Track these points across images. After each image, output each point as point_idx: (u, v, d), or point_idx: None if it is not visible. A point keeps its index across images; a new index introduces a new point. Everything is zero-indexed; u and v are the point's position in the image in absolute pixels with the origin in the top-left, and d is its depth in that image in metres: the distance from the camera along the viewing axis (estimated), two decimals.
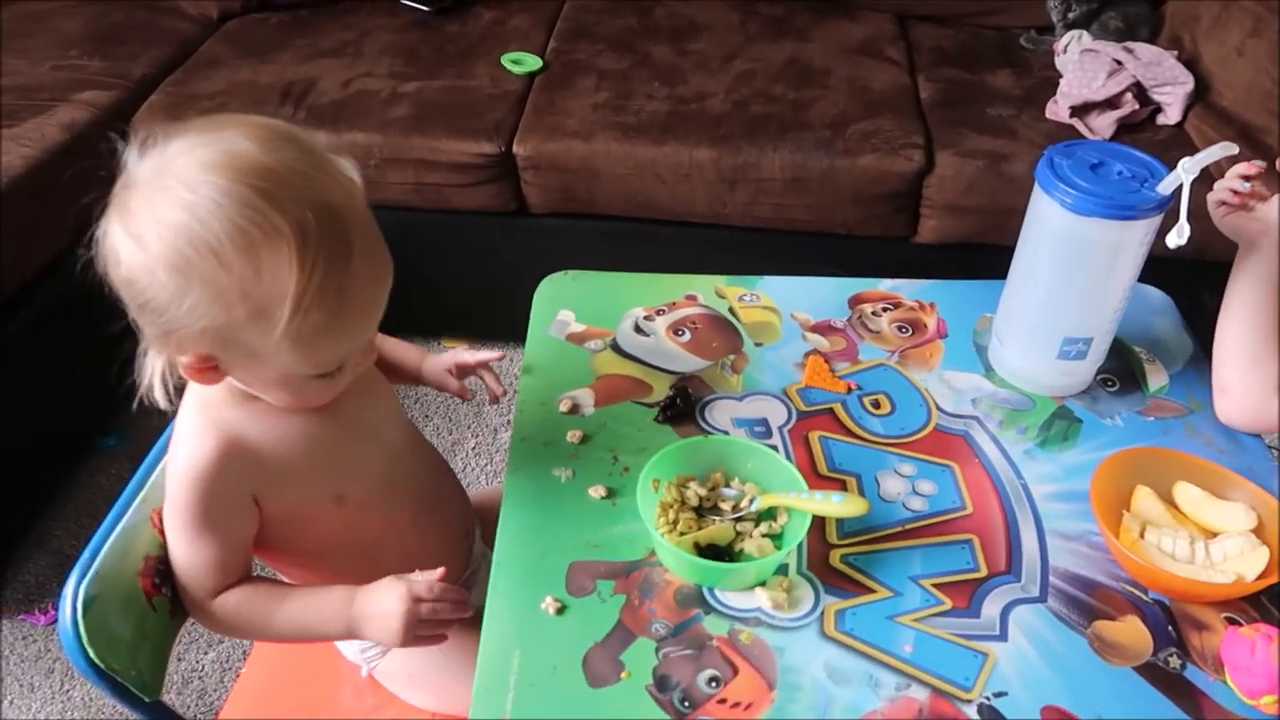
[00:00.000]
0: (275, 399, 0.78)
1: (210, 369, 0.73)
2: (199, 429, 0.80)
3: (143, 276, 0.67)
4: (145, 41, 2.09)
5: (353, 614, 0.82)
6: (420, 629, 0.81)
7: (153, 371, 0.74)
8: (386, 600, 0.81)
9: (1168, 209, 0.91)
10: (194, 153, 0.67)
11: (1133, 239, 0.92)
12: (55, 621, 1.58)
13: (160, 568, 0.84)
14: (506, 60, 2.00)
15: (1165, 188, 0.90)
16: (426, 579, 0.82)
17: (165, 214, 0.66)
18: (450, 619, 0.82)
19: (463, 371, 1.04)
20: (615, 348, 1.08)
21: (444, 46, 2.07)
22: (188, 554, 0.82)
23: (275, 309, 0.66)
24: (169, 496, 0.81)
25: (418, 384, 1.05)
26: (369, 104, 1.87)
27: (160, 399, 0.74)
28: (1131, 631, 0.80)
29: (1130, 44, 1.89)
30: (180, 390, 0.78)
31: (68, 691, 1.49)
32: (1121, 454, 0.89)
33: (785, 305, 1.14)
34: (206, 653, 1.53)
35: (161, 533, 0.83)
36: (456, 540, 1.03)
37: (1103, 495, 0.86)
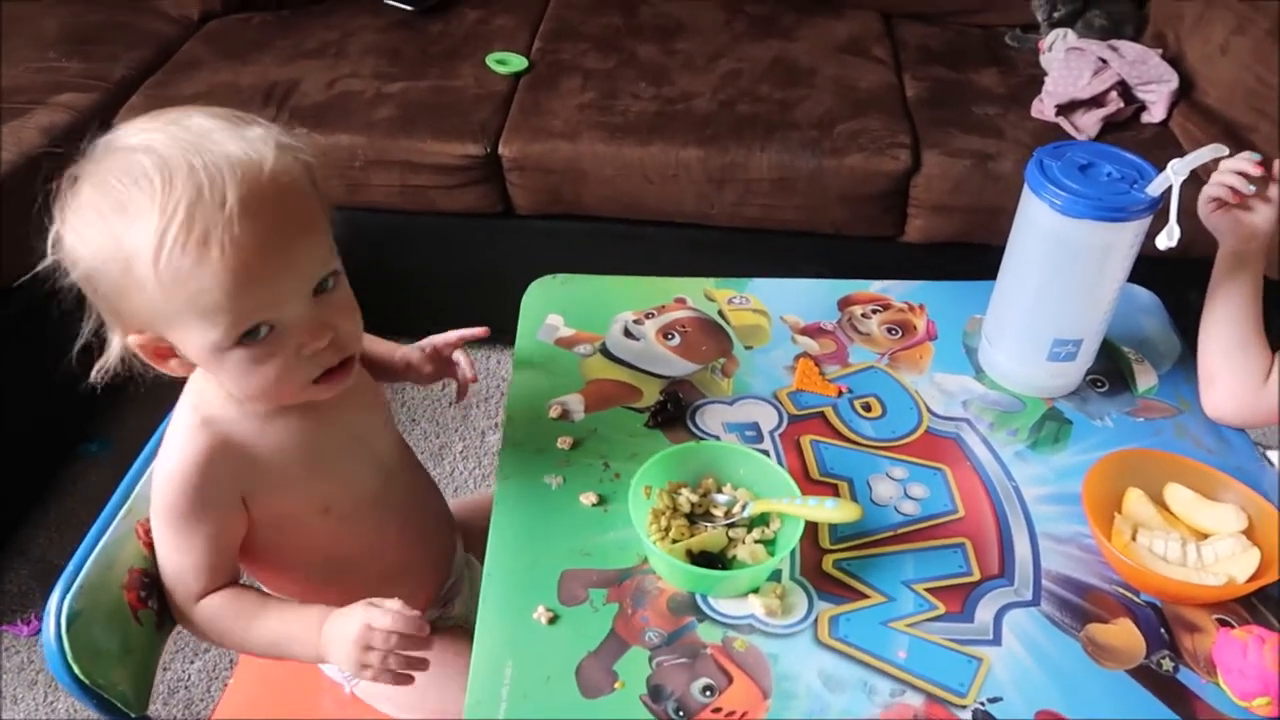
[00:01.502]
0: (234, 386, 0.76)
1: (166, 351, 0.74)
2: (189, 428, 0.79)
3: (69, 249, 0.70)
4: (125, 43, 2.07)
5: (322, 637, 0.80)
6: (369, 662, 0.77)
7: (110, 352, 0.74)
8: (350, 625, 0.77)
9: (1157, 210, 0.91)
10: (121, 130, 0.71)
11: (1122, 240, 0.92)
12: (39, 632, 1.56)
13: (145, 580, 0.83)
14: (491, 60, 1.99)
15: (1155, 189, 0.90)
16: (387, 610, 0.77)
17: (81, 189, 0.70)
18: (400, 669, 0.77)
19: (439, 355, 1.02)
20: (605, 352, 1.07)
21: (428, 47, 2.06)
22: (174, 555, 0.81)
23: (141, 256, 0.66)
24: (156, 497, 0.80)
25: (400, 379, 1.03)
26: (353, 105, 1.86)
27: (103, 374, 0.75)
28: (1124, 634, 0.80)
29: (1115, 42, 1.89)
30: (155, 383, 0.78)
31: (52, 704, 1.47)
32: (1112, 456, 0.90)
33: (775, 308, 1.14)
34: (193, 662, 1.52)
35: (147, 545, 0.83)
36: (438, 554, 1.02)
37: (1094, 497, 0.86)
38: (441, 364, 1.03)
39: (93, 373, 0.74)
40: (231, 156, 0.68)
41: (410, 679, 0.79)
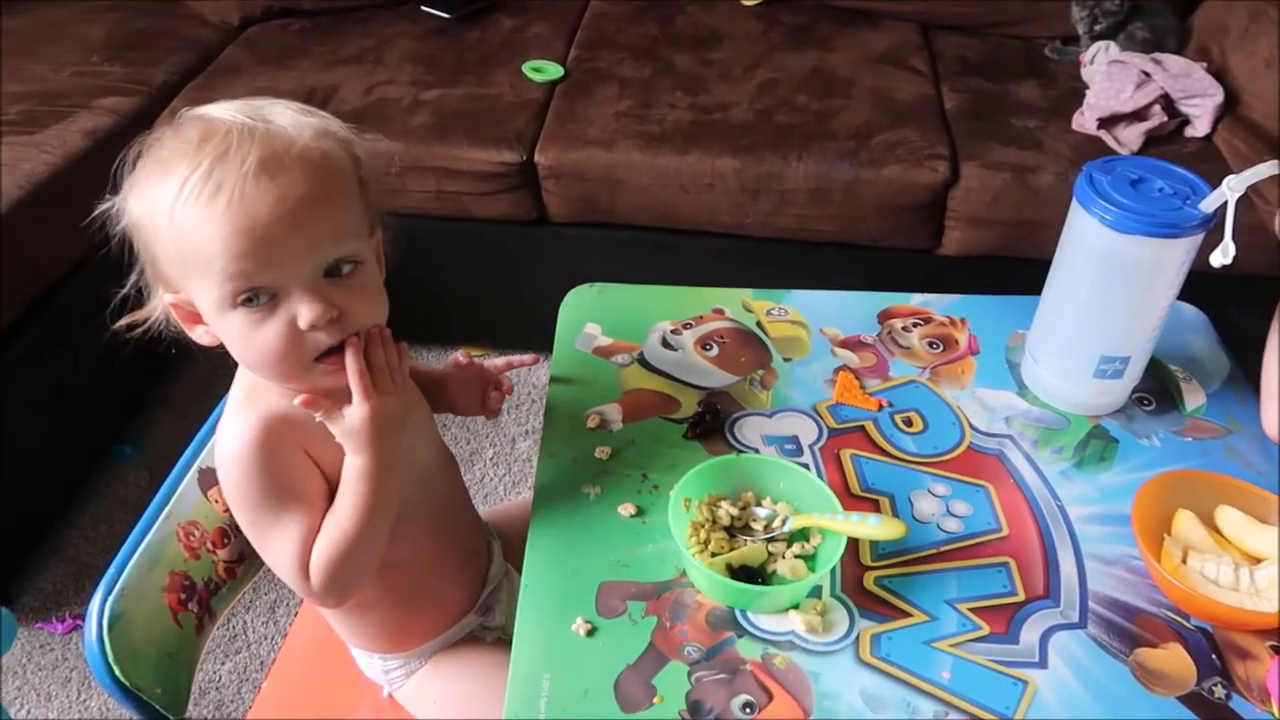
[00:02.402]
0: (240, 357, 0.76)
1: (194, 316, 0.76)
2: (242, 413, 0.79)
3: (126, 213, 0.74)
4: (166, 48, 2.10)
5: (361, 456, 0.77)
6: (380, 383, 0.77)
7: (150, 309, 0.78)
8: (349, 419, 0.77)
9: (1210, 226, 0.90)
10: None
11: (1174, 257, 0.91)
12: (72, 630, 1.58)
13: (185, 583, 0.84)
14: (527, 68, 2.00)
15: (1209, 205, 0.88)
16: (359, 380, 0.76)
17: (146, 154, 0.73)
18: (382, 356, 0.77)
19: (484, 373, 1.02)
20: (642, 362, 1.07)
21: (464, 54, 2.07)
22: (275, 540, 0.79)
23: (163, 204, 0.70)
24: (231, 491, 0.79)
25: (438, 407, 1.00)
26: (390, 112, 1.87)
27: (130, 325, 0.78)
28: (1174, 660, 0.78)
29: (1158, 55, 1.87)
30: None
31: (84, 701, 1.48)
32: (1162, 477, 0.88)
33: (814, 320, 1.13)
34: (224, 663, 1.53)
35: (188, 549, 0.83)
36: (474, 561, 1.02)
37: (1144, 519, 0.84)
38: (478, 380, 1.02)
39: (136, 330, 0.78)
40: (272, 127, 0.72)
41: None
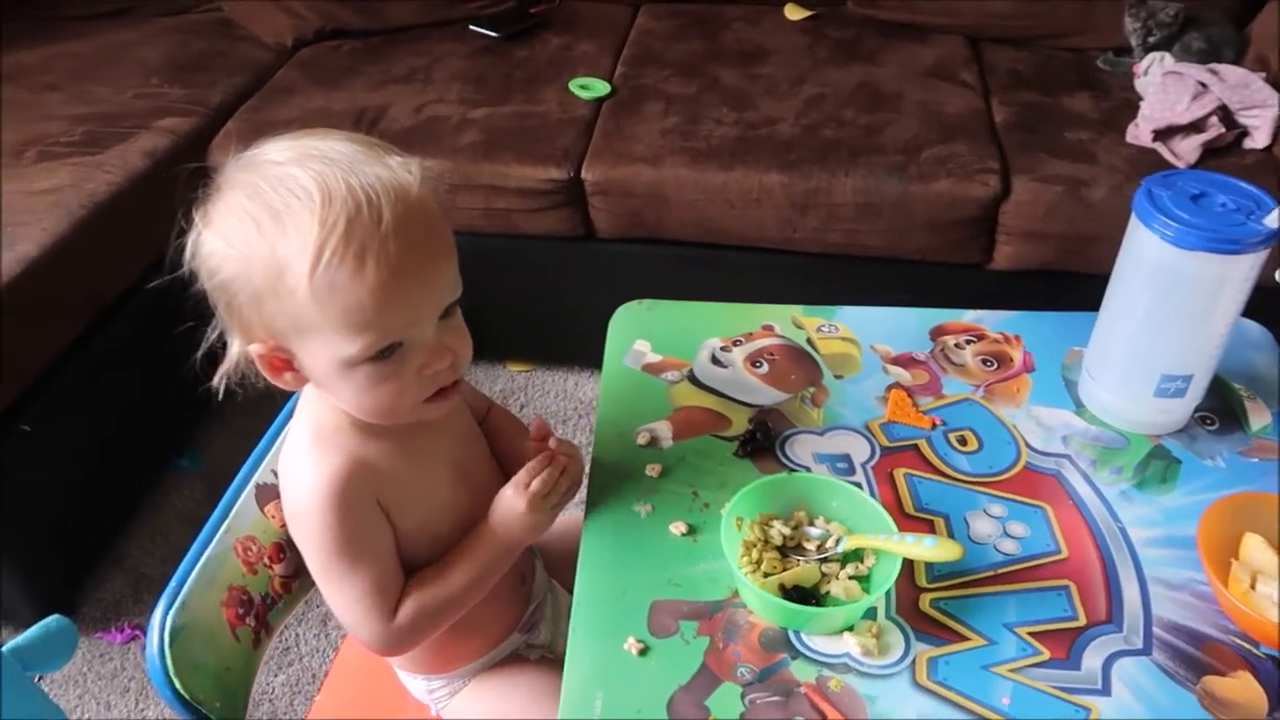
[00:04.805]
0: (351, 403, 0.77)
1: (285, 365, 0.75)
2: (317, 457, 0.80)
3: (206, 257, 0.72)
4: (223, 69, 2.15)
5: (498, 537, 0.86)
6: (546, 504, 0.86)
7: (230, 357, 0.76)
8: (507, 503, 0.85)
9: (1275, 241, 0.88)
10: (269, 144, 0.73)
11: (1237, 273, 0.89)
12: (131, 640, 1.61)
13: (244, 598, 0.85)
14: (574, 85, 2.01)
15: (1274, 221, 0.86)
16: (523, 472, 0.86)
17: (229, 195, 0.72)
18: (565, 484, 0.87)
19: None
20: (692, 379, 1.06)
21: (512, 72, 2.09)
22: (348, 590, 0.81)
23: (297, 264, 0.68)
24: (306, 536, 0.81)
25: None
26: (439, 130, 1.89)
27: (227, 377, 0.77)
28: (1245, 689, 0.76)
29: (1215, 66, 1.83)
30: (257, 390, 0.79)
31: (143, 711, 1.51)
32: (1229, 499, 0.85)
33: (865, 337, 1.12)
34: (277, 674, 1.55)
35: (246, 564, 0.84)
36: (518, 581, 1.02)
37: (1210, 542, 0.82)
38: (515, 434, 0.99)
39: (215, 378, 0.76)
40: (383, 178, 0.70)
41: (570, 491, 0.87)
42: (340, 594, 0.82)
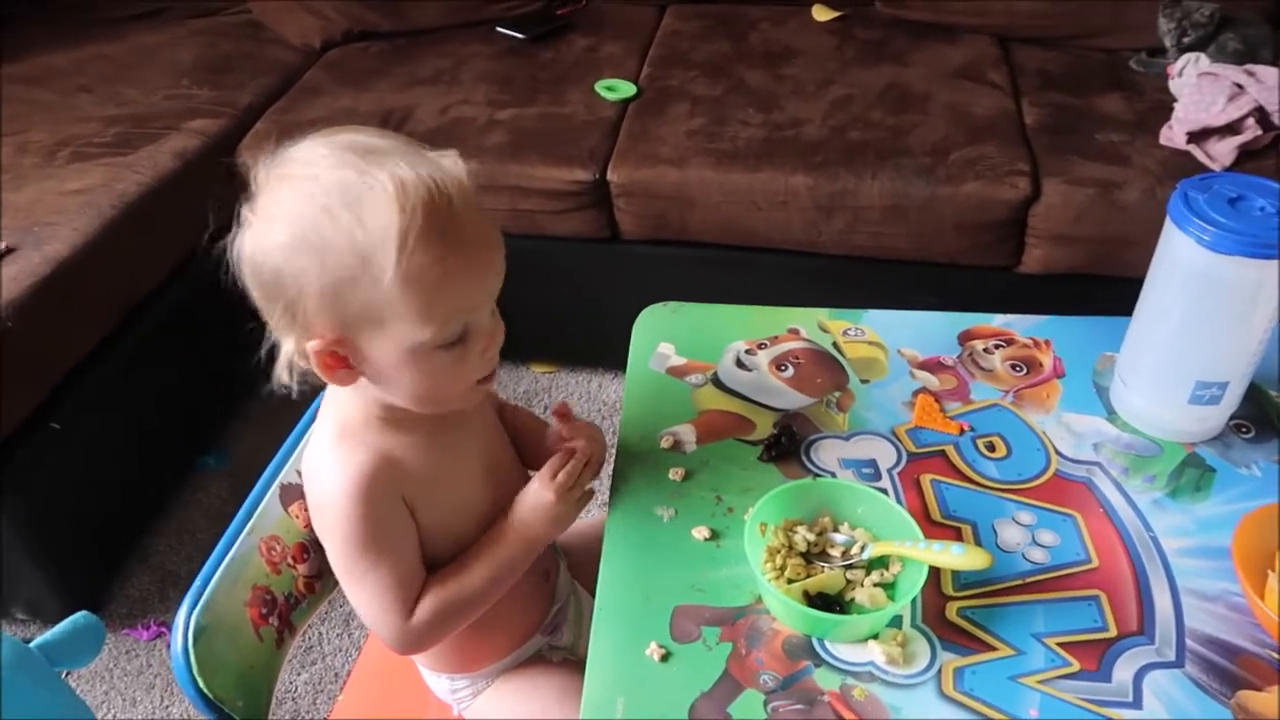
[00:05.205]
0: (410, 391, 0.77)
1: (340, 362, 0.74)
2: (343, 453, 0.80)
3: (265, 253, 0.71)
4: (251, 71, 2.17)
5: (519, 533, 0.86)
6: (572, 496, 0.87)
7: (282, 358, 0.75)
8: (534, 497, 0.86)
9: None
10: (306, 140, 0.74)
11: (1275, 278, 0.87)
12: (157, 637, 1.62)
13: (267, 597, 0.85)
14: (600, 87, 2.01)
15: None
16: (548, 466, 0.87)
17: (282, 191, 0.71)
18: (588, 476, 0.88)
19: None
20: (716, 382, 1.06)
21: (538, 73, 2.09)
22: (370, 586, 0.81)
23: (381, 252, 0.68)
24: (329, 531, 0.81)
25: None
26: (465, 131, 1.90)
27: (286, 379, 0.76)
28: None
29: (1252, 66, 1.80)
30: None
31: (168, 707, 1.52)
32: (1267, 509, 0.83)
33: (891, 341, 1.11)
34: (300, 673, 1.55)
35: (270, 564, 0.84)
36: (540, 581, 1.01)
37: (1246, 553, 0.80)
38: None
39: (272, 381, 0.76)
40: (443, 167, 0.72)
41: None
42: (361, 590, 0.82)
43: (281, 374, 0.75)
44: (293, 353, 0.74)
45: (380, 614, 0.82)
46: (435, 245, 0.69)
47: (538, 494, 0.86)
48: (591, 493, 0.90)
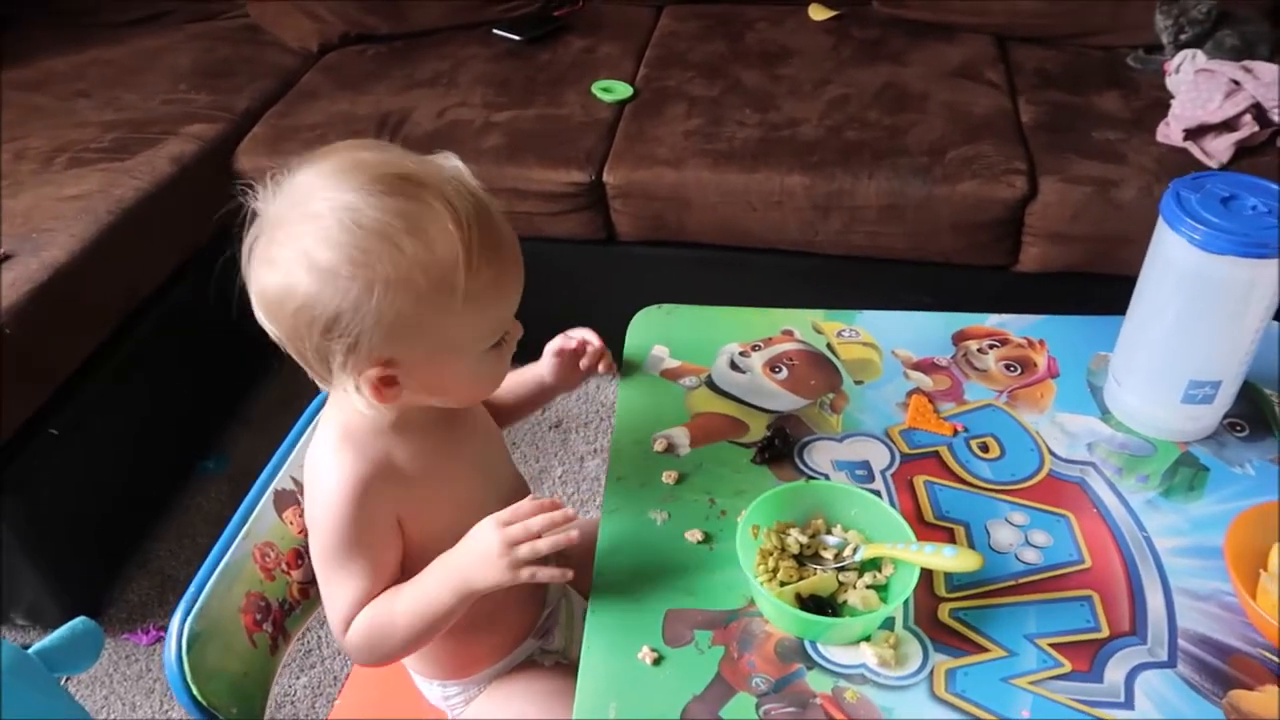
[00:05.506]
0: (455, 395, 0.81)
1: (392, 381, 0.74)
2: (346, 457, 0.80)
3: (321, 292, 0.69)
4: (248, 75, 2.17)
5: (455, 576, 0.78)
6: (516, 553, 0.76)
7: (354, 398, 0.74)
8: (481, 535, 0.78)
9: None
10: (320, 171, 0.71)
11: (1268, 277, 0.87)
12: (156, 641, 1.62)
13: (261, 604, 0.85)
14: (597, 88, 2.01)
15: None
16: (508, 510, 0.78)
17: (327, 226, 0.68)
18: (547, 545, 0.76)
19: (568, 355, 1.02)
20: (710, 384, 1.06)
21: (535, 75, 2.09)
22: (333, 586, 0.81)
23: (451, 273, 0.69)
24: (316, 524, 0.81)
25: (550, 397, 1.08)
26: (462, 133, 1.90)
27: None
28: (1272, 703, 0.74)
29: (1249, 63, 1.80)
30: None
31: (167, 712, 1.53)
32: (1259, 508, 0.84)
33: (885, 341, 1.11)
34: (299, 676, 1.55)
35: (264, 570, 0.84)
36: (534, 587, 1.00)
37: (1238, 552, 0.80)
38: (573, 359, 1.02)
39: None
40: (460, 172, 0.74)
41: (570, 568, 0.80)
42: (326, 587, 0.82)
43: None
44: (347, 385, 0.73)
45: (333, 617, 0.82)
46: (492, 254, 0.72)
47: (485, 533, 0.78)
48: (544, 564, 0.79)
